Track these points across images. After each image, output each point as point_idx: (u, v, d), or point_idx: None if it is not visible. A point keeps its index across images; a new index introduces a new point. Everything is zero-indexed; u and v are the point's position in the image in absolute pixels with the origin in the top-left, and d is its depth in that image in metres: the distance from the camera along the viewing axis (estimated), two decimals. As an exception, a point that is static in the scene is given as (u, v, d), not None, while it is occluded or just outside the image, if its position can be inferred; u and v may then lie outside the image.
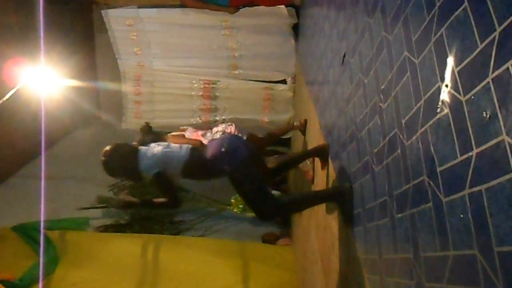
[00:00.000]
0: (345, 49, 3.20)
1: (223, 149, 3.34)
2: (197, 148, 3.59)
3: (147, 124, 5.77)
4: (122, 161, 3.49)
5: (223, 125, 5.54)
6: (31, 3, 5.13)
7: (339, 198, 3.09)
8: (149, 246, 5.79)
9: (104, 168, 3.53)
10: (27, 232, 5.68)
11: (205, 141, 4.67)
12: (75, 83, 6.14)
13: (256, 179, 3.38)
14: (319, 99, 4.34)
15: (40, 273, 5.09)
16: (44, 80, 5.03)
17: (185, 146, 3.55)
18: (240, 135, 4.92)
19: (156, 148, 3.52)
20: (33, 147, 6.24)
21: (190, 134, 5.26)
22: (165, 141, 4.54)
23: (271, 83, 7.00)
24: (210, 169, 3.44)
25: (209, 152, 3.41)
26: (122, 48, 6.85)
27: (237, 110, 6.95)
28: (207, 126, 6.31)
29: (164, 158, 3.44)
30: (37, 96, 5.17)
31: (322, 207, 3.75)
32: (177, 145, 3.59)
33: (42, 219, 5.38)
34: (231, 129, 5.29)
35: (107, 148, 3.52)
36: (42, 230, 5.45)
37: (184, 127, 5.79)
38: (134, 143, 3.69)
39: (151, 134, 5.38)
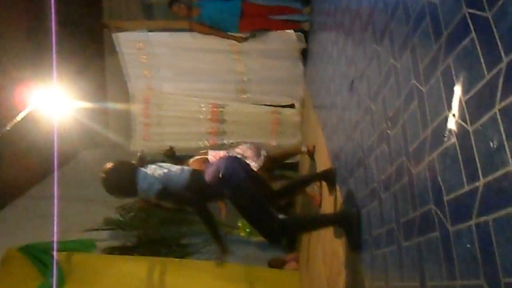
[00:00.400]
0: (353, 75, 3.22)
1: (220, 174, 3.31)
2: (198, 172, 3.57)
3: (171, 148, 5.75)
4: (121, 180, 3.52)
5: (244, 147, 5.51)
6: (43, 26, 5.21)
7: (346, 222, 3.06)
8: (155, 269, 5.76)
9: (103, 185, 3.55)
10: (33, 253, 5.68)
11: None
12: (85, 104, 6.18)
13: (257, 199, 3.32)
14: (327, 124, 4.36)
15: None
16: (56, 102, 5.08)
17: (186, 168, 3.56)
18: (255, 157, 4.91)
19: (157, 170, 3.51)
20: (42, 169, 6.28)
21: (212, 156, 5.22)
22: (187, 165, 4.56)
23: (279, 108, 7.03)
24: (210, 193, 3.45)
25: (207, 178, 3.40)
26: (132, 71, 6.91)
27: (244, 134, 6.97)
28: (228, 147, 6.34)
29: (165, 180, 3.44)
30: (47, 118, 5.20)
31: (329, 232, 3.73)
32: (178, 167, 3.60)
33: (55, 239, 5.37)
34: (249, 153, 5.25)
35: (108, 165, 3.55)
36: (55, 251, 5.45)
37: (204, 150, 5.76)
38: (133, 162, 3.67)
39: (175, 158, 5.39)
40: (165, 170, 3.51)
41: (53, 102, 5.05)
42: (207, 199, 3.61)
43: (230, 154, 5.05)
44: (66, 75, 5.58)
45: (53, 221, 5.32)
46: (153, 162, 3.72)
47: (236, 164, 3.46)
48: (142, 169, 3.54)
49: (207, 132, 7.00)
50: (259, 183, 3.67)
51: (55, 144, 4.89)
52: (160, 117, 7.04)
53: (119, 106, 7.31)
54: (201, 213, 3.51)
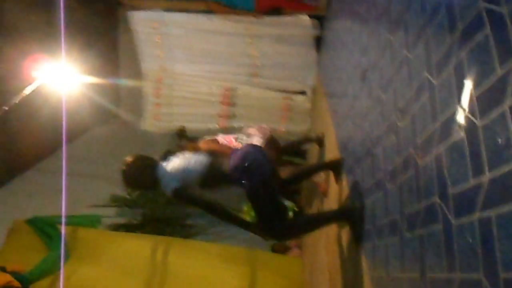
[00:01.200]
0: (366, 64, 3.21)
1: (246, 163, 3.25)
2: (217, 159, 3.49)
3: (183, 127, 5.75)
4: (140, 175, 3.51)
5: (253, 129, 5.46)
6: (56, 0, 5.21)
7: (350, 217, 3.10)
8: (158, 247, 5.79)
9: (122, 178, 3.55)
10: (40, 226, 5.73)
11: (237, 145, 4.64)
12: (96, 80, 6.19)
13: (274, 199, 3.31)
14: (337, 112, 4.35)
15: (61, 266, 5.13)
16: (65, 76, 5.09)
17: (202, 158, 3.47)
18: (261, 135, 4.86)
19: (174, 164, 3.46)
20: (51, 143, 6.32)
21: (222, 138, 5.18)
22: (197, 145, 4.57)
23: (290, 93, 7.02)
24: (227, 180, 3.36)
25: (232, 163, 3.31)
26: (146, 50, 6.92)
27: (254, 118, 6.97)
28: (238, 130, 6.34)
29: (182, 174, 3.39)
30: (57, 92, 5.23)
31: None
32: (195, 156, 3.52)
33: (63, 213, 5.41)
34: (255, 131, 5.14)
35: (128, 158, 3.55)
36: (63, 225, 5.49)
37: (214, 133, 5.74)
38: (155, 157, 3.65)
39: (185, 137, 5.37)
40: (184, 165, 3.43)
41: (62, 76, 5.07)
42: (222, 185, 3.50)
43: (239, 136, 5.00)
44: (77, 50, 5.59)
45: (61, 195, 5.36)
46: (173, 153, 3.68)
47: (263, 157, 3.36)
48: (163, 164, 3.51)
49: (218, 114, 7.01)
50: (273, 173, 3.65)
51: (64, 119, 4.91)
52: (171, 98, 7.05)
53: (131, 83, 7.33)
54: (219, 216, 3.51)
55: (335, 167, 3.82)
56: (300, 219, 3.78)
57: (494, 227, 1.26)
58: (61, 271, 5.16)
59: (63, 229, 5.50)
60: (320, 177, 4.66)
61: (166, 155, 3.71)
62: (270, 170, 3.34)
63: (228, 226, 6.36)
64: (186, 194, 3.40)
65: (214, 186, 3.51)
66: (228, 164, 3.34)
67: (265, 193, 3.25)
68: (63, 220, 5.41)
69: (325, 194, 4.46)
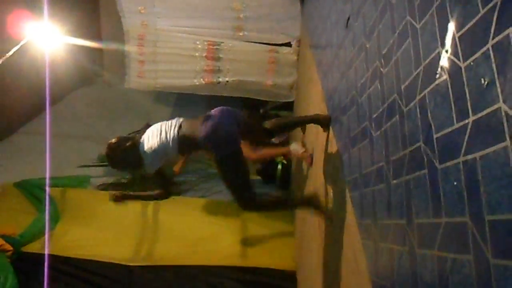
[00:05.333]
0: (350, 11, 3.15)
1: (215, 134, 3.32)
2: (189, 126, 3.53)
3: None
4: (125, 157, 3.61)
5: None
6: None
7: (315, 206, 3.55)
8: (149, 205, 5.82)
9: (108, 161, 3.71)
10: (28, 189, 5.73)
11: None
12: (79, 41, 6.09)
13: (242, 174, 3.43)
14: (322, 63, 4.30)
15: (46, 227, 5.14)
16: (48, 36, 5.00)
17: (173, 131, 3.51)
18: None
19: (152, 142, 3.52)
20: (37, 104, 6.24)
21: None
22: None
23: (275, 46, 6.93)
24: (201, 147, 3.46)
25: (203, 131, 3.35)
26: (126, 6, 6.76)
27: (240, 72, 6.90)
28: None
29: (161, 152, 3.49)
30: (41, 52, 5.14)
31: (321, 173, 3.76)
32: (169, 129, 3.55)
33: (47, 176, 5.40)
34: None
35: (111, 141, 3.63)
36: (47, 187, 5.49)
37: None
38: (136, 136, 3.69)
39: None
40: (159, 142, 3.49)
41: (46, 35, 4.97)
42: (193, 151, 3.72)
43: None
44: (58, 8, 5.47)
45: (40, 157, 5.33)
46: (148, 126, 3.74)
47: (234, 122, 3.43)
48: (142, 144, 3.56)
49: (202, 69, 6.91)
50: (251, 130, 3.77)
51: (47, 79, 4.85)
52: (154, 54, 6.94)
53: (113, 43, 7.20)
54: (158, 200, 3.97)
55: (323, 122, 3.79)
56: (268, 199, 3.90)
57: (479, 170, 1.25)
58: (46, 233, 5.17)
59: (47, 191, 5.49)
60: (304, 148, 4.76)
61: (146, 129, 3.74)
62: (239, 127, 3.44)
63: (217, 181, 6.39)
64: (163, 175, 3.70)
65: (190, 152, 3.71)
66: (200, 131, 3.37)
67: (233, 167, 3.38)
68: (47, 182, 5.41)
69: (310, 164, 4.49)
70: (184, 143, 3.47)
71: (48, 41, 5.08)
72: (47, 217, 5.26)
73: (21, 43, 4.85)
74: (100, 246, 5.34)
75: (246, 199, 3.49)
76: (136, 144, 3.58)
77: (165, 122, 3.65)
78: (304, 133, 4.94)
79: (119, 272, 5.16)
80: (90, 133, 7.00)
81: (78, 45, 6.23)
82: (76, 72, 6.95)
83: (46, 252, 4.99)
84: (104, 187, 6.46)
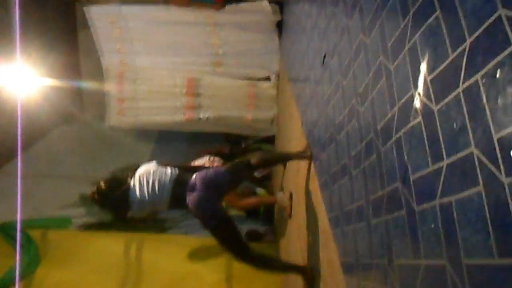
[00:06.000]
0: (326, 49, 3.19)
1: (197, 210, 3.41)
2: (183, 175, 3.58)
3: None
4: (114, 202, 3.60)
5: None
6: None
7: (303, 275, 3.55)
8: (132, 244, 5.75)
9: (96, 204, 3.73)
10: (8, 231, 5.63)
11: None
12: (56, 81, 6.08)
13: (232, 238, 3.55)
14: (301, 98, 4.34)
15: (17, 274, 5.04)
16: (22, 79, 4.99)
17: (167, 187, 3.52)
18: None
19: (143, 192, 3.51)
20: (14, 146, 6.18)
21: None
22: None
23: (255, 81, 6.99)
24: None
25: (189, 202, 3.43)
26: (105, 45, 6.80)
27: (221, 108, 6.93)
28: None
29: (151, 204, 3.52)
30: (15, 95, 5.12)
31: (302, 208, 3.76)
32: (160, 184, 3.55)
33: (19, 218, 5.34)
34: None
35: (101, 184, 3.61)
36: (18, 229, 5.41)
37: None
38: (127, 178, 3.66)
39: None
40: (151, 189, 3.51)
41: (19, 78, 4.96)
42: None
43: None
44: (35, 50, 5.47)
45: (28, 198, 5.28)
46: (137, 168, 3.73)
47: (215, 193, 3.48)
48: (133, 189, 3.54)
49: (183, 106, 6.93)
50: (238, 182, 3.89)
51: (19, 124, 4.82)
52: (134, 92, 6.95)
53: (93, 81, 7.21)
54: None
55: (305, 157, 3.80)
56: (263, 258, 3.94)
57: (455, 213, 1.26)
58: (17, 277, 5.08)
59: (18, 235, 5.41)
60: (284, 200, 4.87)
61: (135, 171, 3.71)
62: (222, 214, 3.51)
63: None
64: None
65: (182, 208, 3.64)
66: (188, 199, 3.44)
67: (222, 233, 3.48)
68: (18, 225, 5.34)
69: (290, 215, 4.61)
70: (175, 203, 3.54)
71: (21, 83, 5.07)
72: (17, 262, 5.18)
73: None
74: (82, 289, 5.25)
75: (242, 258, 3.59)
76: (127, 190, 3.54)
77: (157, 169, 3.62)
78: (285, 168, 4.95)
79: (102, 315, 5.07)
80: (70, 173, 6.94)
81: (57, 85, 6.22)
82: (55, 111, 6.91)
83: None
84: (86, 227, 6.38)
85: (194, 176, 3.51)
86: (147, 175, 3.57)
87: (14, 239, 5.57)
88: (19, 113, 4.85)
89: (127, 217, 3.68)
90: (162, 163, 3.72)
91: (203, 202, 3.40)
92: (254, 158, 3.77)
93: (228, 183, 3.58)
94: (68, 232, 6.10)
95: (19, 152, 5.74)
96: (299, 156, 3.85)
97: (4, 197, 6.20)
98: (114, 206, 3.68)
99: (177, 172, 3.61)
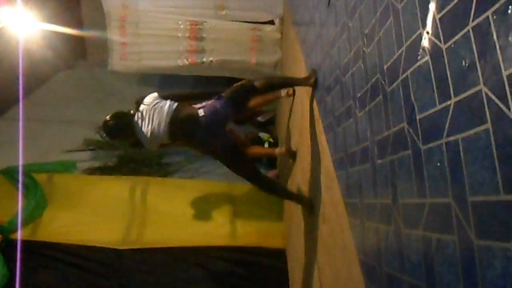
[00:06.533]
0: (331, -10, 3.14)
1: (206, 142, 3.55)
2: (182, 117, 3.62)
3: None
4: (121, 130, 3.77)
5: None
6: None
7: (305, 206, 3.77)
8: (137, 188, 5.81)
9: (106, 134, 3.97)
10: (14, 175, 5.68)
11: None
12: (57, 27, 6.01)
13: (242, 163, 3.69)
14: (305, 41, 4.29)
15: (19, 217, 5.13)
16: (23, 22, 4.93)
17: (165, 120, 3.60)
18: None
19: (145, 129, 3.63)
20: (16, 91, 6.17)
21: None
22: None
23: (258, 24, 6.90)
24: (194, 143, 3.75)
25: (197, 130, 3.51)
26: (106, -13, 6.69)
27: (224, 51, 6.86)
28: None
29: (155, 138, 3.64)
30: (17, 39, 5.07)
31: (308, 154, 3.77)
32: (160, 118, 3.62)
33: (20, 163, 5.38)
34: None
35: (106, 119, 3.76)
36: (20, 174, 5.47)
37: None
38: (131, 111, 3.77)
39: None
40: (150, 128, 3.62)
41: (21, 22, 4.90)
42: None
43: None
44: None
45: (33, 142, 5.30)
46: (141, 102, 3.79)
47: (221, 120, 3.57)
48: (136, 122, 3.67)
49: (186, 50, 6.87)
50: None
51: (21, 65, 4.79)
52: (137, 36, 6.87)
53: (94, 25, 7.13)
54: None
55: (308, 85, 3.81)
56: (269, 182, 4.11)
57: (461, 151, 1.26)
58: (19, 219, 5.15)
59: (20, 178, 5.47)
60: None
61: (139, 105, 3.77)
62: (229, 139, 3.63)
63: (204, 161, 6.38)
64: None
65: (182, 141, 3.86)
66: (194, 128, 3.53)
67: (233, 158, 3.63)
68: (20, 169, 5.39)
69: (294, 159, 4.69)
70: (175, 135, 3.64)
71: (23, 26, 5.01)
72: (19, 204, 5.26)
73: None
74: (89, 231, 5.32)
75: (251, 179, 3.81)
76: (131, 125, 3.68)
77: (158, 104, 3.67)
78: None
79: (109, 256, 5.16)
80: (75, 118, 6.95)
81: (58, 29, 6.15)
82: (57, 57, 6.86)
83: (19, 237, 5.00)
84: (91, 171, 6.44)
85: (196, 107, 3.61)
86: (148, 113, 3.64)
87: (19, 182, 5.63)
88: (20, 57, 4.81)
89: (141, 144, 3.73)
90: (164, 95, 3.77)
91: (209, 129, 3.50)
92: (258, 81, 3.78)
93: (231, 107, 3.62)
94: (73, 176, 6.16)
95: (20, 96, 5.72)
96: (303, 81, 3.85)
97: (8, 142, 6.23)
98: (124, 136, 3.91)
99: (176, 104, 3.67)
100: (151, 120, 3.60)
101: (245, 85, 3.75)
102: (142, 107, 3.69)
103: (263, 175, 3.88)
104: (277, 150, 5.30)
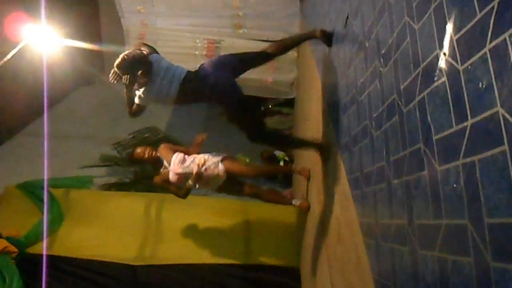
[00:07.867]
0: (348, 10, 3.16)
1: (215, 94, 3.57)
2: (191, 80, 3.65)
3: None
4: (139, 63, 3.67)
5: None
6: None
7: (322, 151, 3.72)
8: (152, 204, 5.84)
9: (118, 66, 3.71)
10: (31, 190, 5.74)
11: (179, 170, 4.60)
12: (77, 43, 6.09)
13: (249, 117, 3.71)
14: (322, 60, 4.31)
15: (44, 230, 5.16)
16: (45, 38, 5.00)
17: (176, 82, 3.62)
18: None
19: (160, 77, 3.62)
20: (36, 106, 6.26)
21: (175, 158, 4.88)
22: None
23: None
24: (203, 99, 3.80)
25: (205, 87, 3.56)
26: (126, 6, 6.78)
27: (241, 70, 6.89)
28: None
29: (159, 95, 3.67)
30: (38, 55, 5.14)
31: (322, 170, 3.77)
32: (171, 78, 3.65)
33: (45, 177, 5.42)
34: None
35: (125, 53, 3.69)
36: (45, 190, 5.50)
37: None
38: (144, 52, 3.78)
39: None
40: (159, 85, 3.64)
41: (43, 38, 4.97)
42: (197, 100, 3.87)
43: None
44: (57, 11, 5.47)
45: (50, 158, 5.35)
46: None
47: (229, 70, 3.63)
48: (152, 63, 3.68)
49: (203, 68, 6.91)
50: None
51: (45, 81, 4.85)
52: (155, 53, 6.93)
53: (113, 42, 7.20)
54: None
55: (326, 38, 3.86)
56: (277, 135, 4.09)
57: (478, 173, 1.26)
58: (45, 234, 5.18)
59: (45, 192, 5.51)
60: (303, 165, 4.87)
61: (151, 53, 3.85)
62: (239, 90, 3.67)
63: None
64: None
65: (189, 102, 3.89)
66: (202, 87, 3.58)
67: (241, 110, 3.67)
68: (45, 183, 5.42)
69: (308, 179, 4.63)
70: (184, 92, 3.63)
71: (46, 43, 5.09)
72: (45, 219, 5.29)
73: (19, 46, 4.86)
74: (104, 246, 5.36)
75: (258, 135, 3.75)
76: (150, 63, 3.67)
77: (170, 66, 3.72)
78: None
79: (123, 271, 5.18)
80: (91, 134, 7.02)
81: (77, 46, 6.23)
82: (76, 73, 6.95)
83: (44, 252, 5.02)
84: (107, 187, 6.48)
85: (201, 66, 3.69)
86: (161, 68, 3.67)
87: (37, 197, 5.68)
88: (45, 73, 4.87)
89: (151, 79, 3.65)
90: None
91: (219, 81, 3.55)
92: (270, 47, 3.82)
93: (237, 60, 3.71)
94: (90, 192, 6.21)
95: (45, 111, 5.79)
96: (311, 35, 3.96)
97: (26, 157, 6.31)
98: (138, 67, 3.68)
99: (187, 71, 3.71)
100: (163, 78, 3.63)
101: (256, 52, 3.96)
102: (155, 60, 3.74)
103: (271, 129, 3.82)
104: (294, 201, 4.94)
